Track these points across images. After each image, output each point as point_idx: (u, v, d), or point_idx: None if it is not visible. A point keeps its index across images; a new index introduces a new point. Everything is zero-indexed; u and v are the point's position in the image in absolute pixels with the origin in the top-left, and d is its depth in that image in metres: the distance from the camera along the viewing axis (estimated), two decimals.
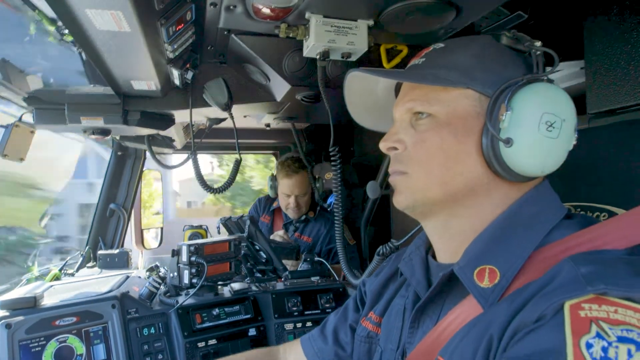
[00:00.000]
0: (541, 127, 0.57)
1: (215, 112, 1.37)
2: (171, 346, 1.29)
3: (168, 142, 1.88)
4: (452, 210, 0.63)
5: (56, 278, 1.63)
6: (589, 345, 0.41)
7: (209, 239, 1.61)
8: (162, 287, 1.41)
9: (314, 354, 0.89)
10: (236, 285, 1.50)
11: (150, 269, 1.70)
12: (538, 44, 0.61)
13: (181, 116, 1.40)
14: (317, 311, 1.48)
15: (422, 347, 0.62)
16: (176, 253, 1.42)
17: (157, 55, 0.95)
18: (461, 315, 0.59)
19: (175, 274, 1.41)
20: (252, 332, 1.39)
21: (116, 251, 1.89)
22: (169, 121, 1.39)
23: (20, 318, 1.13)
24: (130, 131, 1.41)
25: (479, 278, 0.57)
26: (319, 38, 0.96)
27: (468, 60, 0.62)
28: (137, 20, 0.73)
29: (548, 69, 0.61)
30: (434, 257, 0.70)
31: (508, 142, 0.57)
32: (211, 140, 2.31)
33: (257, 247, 1.74)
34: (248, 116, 1.75)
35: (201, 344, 1.30)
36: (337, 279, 1.67)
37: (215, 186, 1.39)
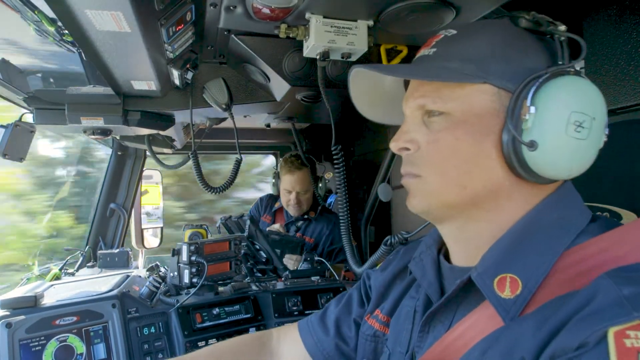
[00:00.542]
0: (569, 128, 0.51)
1: (215, 112, 1.38)
2: (171, 345, 1.30)
3: (168, 142, 1.88)
4: (469, 214, 0.59)
5: (56, 277, 1.63)
6: None
7: (209, 239, 1.61)
8: (162, 286, 1.41)
9: (314, 345, 0.84)
10: (236, 285, 1.50)
11: (151, 269, 1.71)
12: (562, 28, 0.55)
13: (181, 116, 1.40)
14: (317, 311, 1.48)
15: (433, 353, 0.59)
16: (176, 252, 1.42)
17: (157, 56, 0.95)
18: (477, 325, 0.55)
19: (176, 273, 1.41)
20: (252, 331, 1.39)
21: (116, 251, 1.90)
22: (169, 121, 1.39)
23: (21, 317, 1.13)
24: (131, 131, 1.41)
25: (499, 287, 0.53)
26: (319, 38, 0.96)
27: (484, 49, 0.56)
28: (137, 21, 0.73)
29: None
30: (445, 257, 0.67)
31: (532, 145, 0.52)
32: (211, 140, 2.31)
33: (257, 247, 1.75)
34: (248, 116, 1.75)
35: (201, 343, 1.30)
36: (337, 278, 1.68)
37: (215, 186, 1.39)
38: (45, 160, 3.33)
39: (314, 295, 1.51)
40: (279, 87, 1.30)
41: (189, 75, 1.17)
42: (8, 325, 1.11)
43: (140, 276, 1.60)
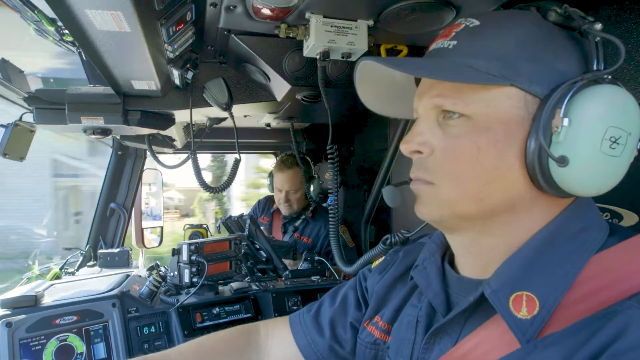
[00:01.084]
0: (604, 144, 0.46)
1: (215, 112, 1.38)
2: (171, 345, 1.30)
3: (168, 142, 1.88)
4: (484, 226, 0.55)
5: (57, 277, 1.63)
6: None
7: (209, 238, 1.61)
8: (162, 286, 1.42)
9: (307, 345, 0.79)
10: (236, 284, 1.50)
11: (151, 268, 1.71)
12: (598, 26, 0.49)
13: (181, 116, 1.40)
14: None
15: None
16: (177, 252, 1.42)
17: (157, 55, 0.95)
18: (487, 341, 0.52)
19: (176, 273, 1.41)
20: None
21: (116, 250, 1.90)
22: (169, 121, 1.39)
23: (21, 317, 1.14)
24: (131, 131, 1.41)
25: (515, 306, 0.49)
26: (319, 38, 0.96)
27: (512, 46, 0.50)
28: (137, 21, 0.73)
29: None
30: (450, 264, 0.63)
31: (563, 161, 0.47)
32: (211, 140, 2.31)
33: (258, 246, 1.75)
34: (248, 116, 1.75)
35: None
36: (337, 278, 1.68)
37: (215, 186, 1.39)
38: None
39: (314, 294, 1.51)
40: (279, 87, 1.30)
41: (189, 75, 1.17)
42: (8, 325, 1.11)
43: (140, 275, 1.60)
